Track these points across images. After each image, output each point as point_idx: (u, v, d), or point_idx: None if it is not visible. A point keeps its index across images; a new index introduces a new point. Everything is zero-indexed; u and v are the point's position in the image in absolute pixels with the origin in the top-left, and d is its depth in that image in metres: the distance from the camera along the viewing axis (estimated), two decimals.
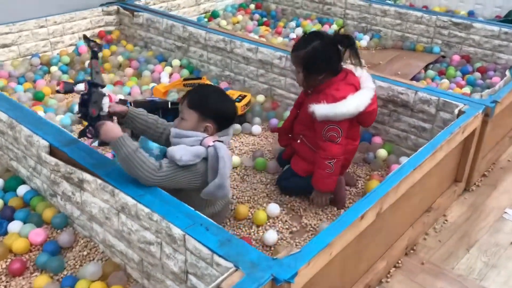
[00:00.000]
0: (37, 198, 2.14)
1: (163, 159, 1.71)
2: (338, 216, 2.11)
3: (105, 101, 1.72)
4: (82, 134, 1.75)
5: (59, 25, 3.75)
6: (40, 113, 2.90)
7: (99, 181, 1.72)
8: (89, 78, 1.73)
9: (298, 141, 2.30)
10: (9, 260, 1.89)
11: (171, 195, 1.64)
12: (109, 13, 4.07)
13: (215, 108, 1.79)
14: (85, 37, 1.80)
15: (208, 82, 3.01)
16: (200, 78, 3.04)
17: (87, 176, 1.77)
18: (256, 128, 2.91)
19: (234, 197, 2.31)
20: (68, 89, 1.71)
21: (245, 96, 2.96)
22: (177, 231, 1.48)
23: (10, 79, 3.35)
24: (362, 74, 2.20)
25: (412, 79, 3.56)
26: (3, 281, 1.81)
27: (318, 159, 2.14)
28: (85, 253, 1.91)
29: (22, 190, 2.21)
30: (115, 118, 1.85)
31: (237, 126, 2.88)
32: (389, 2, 4.67)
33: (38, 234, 1.95)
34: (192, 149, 1.71)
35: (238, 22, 4.74)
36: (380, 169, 2.57)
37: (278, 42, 4.22)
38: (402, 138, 2.66)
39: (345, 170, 2.37)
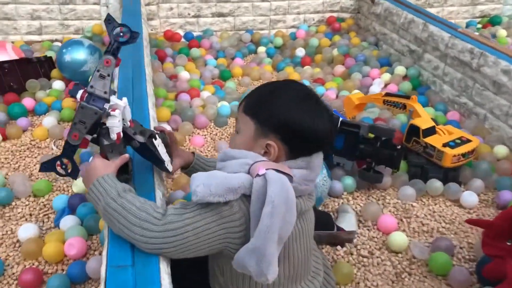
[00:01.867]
0: None
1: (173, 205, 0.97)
2: None
3: (112, 123, 1.03)
4: (47, 166, 1.08)
5: (284, 2, 3.23)
6: (205, 93, 2.45)
7: None
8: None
9: None
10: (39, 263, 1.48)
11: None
12: None
13: (283, 116, 0.98)
14: (108, 18, 1.03)
15: (418, 105, 1.99)
16: (408, 98, 2.04)
17: None
18: (470, 197, 1.77)
19: None
20: (74, 94, 0.97)
21: (468, 141, 1.85)
22: None
23: (210, 50, 3.01)
24: None
25: None
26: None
27: None
28: None
29: None
30: (162, 146, 1.15)
31: (436, 183, 1.80)
32: None
33: (72, 246, 1.46)
34: (225, 177, 0.92)
35: None
36: None
37: None
38: None
39: None
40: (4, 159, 1.97)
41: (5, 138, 2.10)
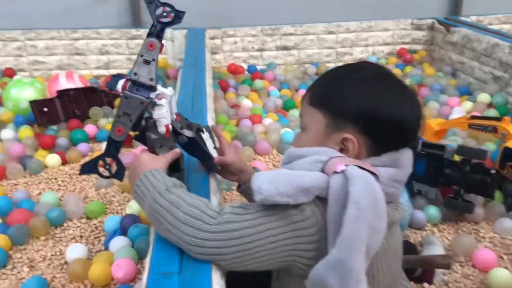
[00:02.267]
0: None
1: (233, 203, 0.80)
2: None
3: (160, 114, 0.90)
4: (88, 169, 0.97)
5: (352, 34, 3.10)
6: (268, 120, 2.32)
7: None
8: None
9: None
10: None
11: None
12: (419, 28, 3.16)
13: (362, 102, 0.80)
14: None
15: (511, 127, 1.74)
16: (499, 119, 1.79)
17: None
18: None
19: None
20: (113, 86, 0.86)
21: None
22: None
23: (273, 82, 2.91)
24: None
25: None
26: None
27: None
28: None
29: None
30: (210, 141, 1.03)
31: None
32: None
33: (119, 267, 1.31)
34: (294, 175, 0.74)
35: None
36: None
37: None
38: None
39: None
40: (62, 181, 1.91)
41: (64, 162, 2.06)
